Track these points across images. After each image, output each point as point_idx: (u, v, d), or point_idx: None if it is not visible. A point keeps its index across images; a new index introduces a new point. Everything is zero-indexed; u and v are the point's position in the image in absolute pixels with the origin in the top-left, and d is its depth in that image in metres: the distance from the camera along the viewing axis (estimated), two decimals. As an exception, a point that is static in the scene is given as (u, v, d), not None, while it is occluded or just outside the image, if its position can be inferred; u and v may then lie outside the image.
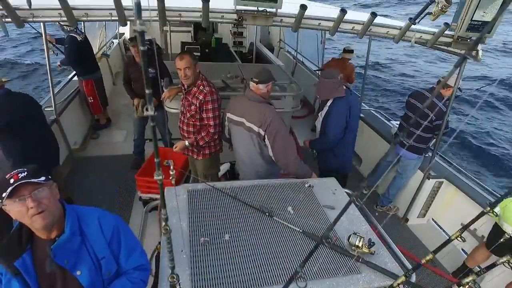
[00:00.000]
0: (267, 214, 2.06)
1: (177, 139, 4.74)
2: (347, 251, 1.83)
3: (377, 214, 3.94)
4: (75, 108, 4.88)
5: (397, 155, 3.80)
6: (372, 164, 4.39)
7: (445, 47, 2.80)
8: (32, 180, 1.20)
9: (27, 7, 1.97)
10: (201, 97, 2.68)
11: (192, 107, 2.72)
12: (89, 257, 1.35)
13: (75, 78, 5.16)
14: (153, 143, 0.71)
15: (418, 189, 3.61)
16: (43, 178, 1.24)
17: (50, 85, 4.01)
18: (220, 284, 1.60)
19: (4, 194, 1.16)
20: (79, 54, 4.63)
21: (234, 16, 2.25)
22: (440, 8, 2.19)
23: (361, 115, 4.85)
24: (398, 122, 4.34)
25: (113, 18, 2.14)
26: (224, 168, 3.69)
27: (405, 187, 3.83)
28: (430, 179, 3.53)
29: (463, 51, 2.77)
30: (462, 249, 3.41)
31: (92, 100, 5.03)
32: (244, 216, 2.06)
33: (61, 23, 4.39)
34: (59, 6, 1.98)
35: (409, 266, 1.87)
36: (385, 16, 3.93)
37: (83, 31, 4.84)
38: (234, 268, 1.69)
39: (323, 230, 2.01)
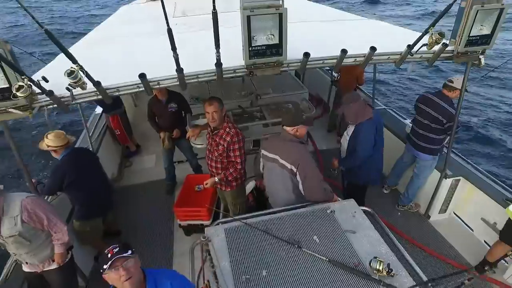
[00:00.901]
0: (296, 246, 2.35)
1: (202, 158, 5.08)
2: (369, 275, 2.09)
3: (399, 213, 4.15)
4: (108, 142, 5.32)
5: (413, 157, 3.97)
6: (389, 162, 4.54)
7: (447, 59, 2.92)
8: (123, 254, 1.59)
9: (68, 95, 2.30)
10: (228, 138, 3.00)
11: (220, 147, 3.05)
12: None
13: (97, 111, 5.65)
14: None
15: (436, 187, 3.78)
16: (130, 252, 1.63)
17: (86, 128, 4.47)
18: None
19: (105, 266, 1.56)
20: None
21: (245, 70, 2.49)
22: (434, 40, 2.33)
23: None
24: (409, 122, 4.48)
25: (140, 89, 2.45)
26: (249, 186, 4.00)
27: (424, 185, 3.99)
28: (447, 178, 3.68)
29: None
30: (485, 241, 3.58)
31: (119, 133, 5.45)
32: (276, 249, 2.35)
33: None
34: (95, 89, 2.30)
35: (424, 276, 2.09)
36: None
37: None
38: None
39: (346, 256, 2.27)
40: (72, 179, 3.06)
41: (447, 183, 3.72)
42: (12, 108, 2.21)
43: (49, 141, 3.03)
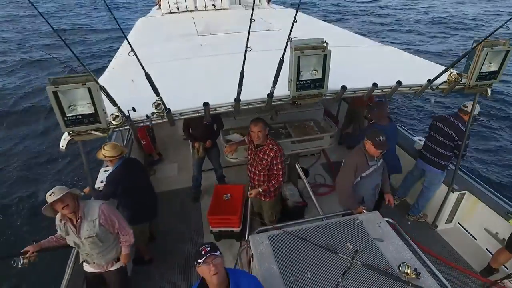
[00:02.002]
0: (333, 252, 2.73)
1: (228, 167, 5.41)
2: (400, 278, 2.48)
3: (409, 223, 4.57)
4: (135, 151, 5.65)
5: (422, 171, 4.40)
6: (398, 176, 4.96)
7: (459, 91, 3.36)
8: (213, 253, 1.96)
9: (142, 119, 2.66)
10: (272, 154, 3.41)
11: (264, 161, 3.45)
12: None
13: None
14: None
15: (444, 200, 4.21)
16: (218, 252, 1.99)
17: (122, 139, 4.80)
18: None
19: (200, 261, 1.94)
20: None
21: (290, 100, 2.88)
22: (453, 78, 2.75)
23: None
24: (420, 138, 4.92)
25: (199, 114, 2.82)
26: None
27: (433, 198, 4.42)
28: (454, 192, 4.11)
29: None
30: (487, 249, 4.01)
31: (144, 142, 5.79)
32: (316, 254, 2.73)
33: None
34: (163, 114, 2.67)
35: (447, 285, 2.49)
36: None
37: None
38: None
39: (377, 261, 2.66)
40: (125, 187, 3.41)
41: (453, 196, 4.15)
42: (94, 131, 2.57)
43: (106, 152, 3.38)
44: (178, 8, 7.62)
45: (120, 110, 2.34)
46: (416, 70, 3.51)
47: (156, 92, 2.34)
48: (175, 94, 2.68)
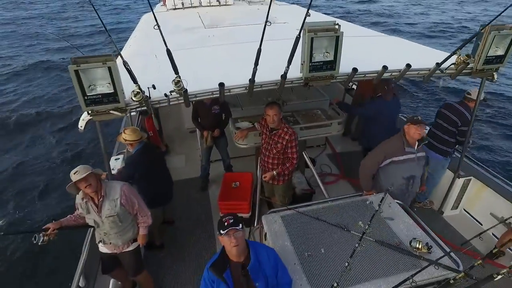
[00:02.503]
0: (345, 229, 2.80)
1: (236, 158, 5.49)
2: (411, 252, 2.55)
3: (415, 209, 4.63)
4: None
5: (427, 157, 4.46)
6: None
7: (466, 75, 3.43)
8: (235, 227, 2.03)
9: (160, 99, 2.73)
10: (287, 137, 3.48)
11: (278, 145, 3.53)
12: (263, 276, 2.14)
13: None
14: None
15: (450, 186, 4.27)
16: (240, 226, 2.06)
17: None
18: (325, 281, 2.35)
19: (222, 232, 2.02)
20: None
21: (302, 81, 2.95)
22: (462, 60, 2.83)
23: None
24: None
25: (213, 95, 2.89)
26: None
27: (439, 184, 4.48)
28: (460, 178, 4.18)
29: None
30: (493, 234, 4.08)
31: (152, 134, 5.85)
32: (329, 232, 2.80)
33: None
34: (178, 96, 2.74)
35: (458, 260, 2.55)
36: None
37: None
38: (334, 271, 2.43)
39: (388, 237, 2.73)
40: (144, 171, 3.48)
41: (459, 182, 4.22)
42: (113, 110, 2.64)
43: (127, 136, 3.46)
44: (183, 4, 7.70)
45: (140, 88, 2.41)
46: (423, 56, 3.58)
47: (175, 70, 2.41)
48: (189, 78, 2.75)
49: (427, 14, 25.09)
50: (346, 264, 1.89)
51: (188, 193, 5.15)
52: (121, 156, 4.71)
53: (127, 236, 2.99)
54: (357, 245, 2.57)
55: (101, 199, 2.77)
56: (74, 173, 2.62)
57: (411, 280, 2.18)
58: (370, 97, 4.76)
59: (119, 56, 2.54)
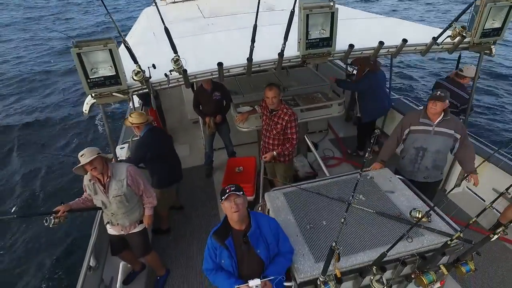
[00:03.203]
0: (346, 202, 2.84)
1: (239, 145, 5.58)
2: (411, 222, 2.59)
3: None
4: None
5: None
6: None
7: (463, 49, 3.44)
8: (236, 192, 2.11)
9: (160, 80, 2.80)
10: (286, 117, 3.53)
11: (278, 125, 3.58)
12: (263, 243, 2.21)
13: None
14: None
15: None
16: (241, 193, 2.14)
17: None
18: (326, 251, 2.40)
19: (223, 197, 2.10)
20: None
21: (299, 60, 2.99)
22: (458, 32, 2.85)
23: (392, 103, 5.53)
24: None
25: (213, 76, 2.95)
26: None
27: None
28: None
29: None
30: (495, 209, 4.10)
31: (155, 124, 5.93)
32: (330, 206, 2.85)
33: None
34: (178, 77, 2.81)
35: (457, 227, 2.60)
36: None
37: None
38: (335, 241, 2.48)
39: (389, 209, 2.78)
40: (155, 151, 3.59)
41: None
42: (116, 92, 2.71)
43: (133, 119, 3.55)
44: None
45: (140, 68, 2.48)
46: (420, 33, 3.59)
47: (174, 49, 2.47)
48: (189, 60, 2.80)
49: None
50: (342, 219, 1.91)
51: (193, 180, 5.24)
52: (126, 145, 4.80)
53: (134, 216, 3.07)
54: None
55: (107, 179, 2.86)
56: (81, 156, 2.70)
57: (410, 240, 2.23)
58: (362, 74, 4.90)
59: (120, 39, 2.61)
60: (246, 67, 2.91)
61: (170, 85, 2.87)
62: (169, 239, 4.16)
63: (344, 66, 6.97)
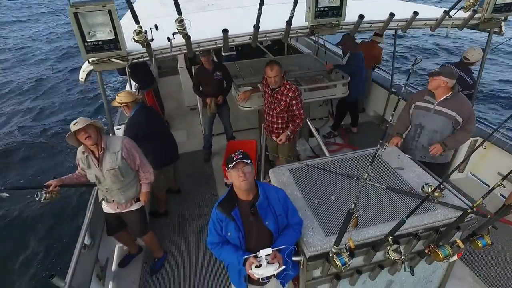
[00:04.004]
0: (355, 178, 2.75)
1: (239, 131, 5.45)
2: (423, 196, 2.49)
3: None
4: None
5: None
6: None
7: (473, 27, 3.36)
8: (244, 160, 1.97)
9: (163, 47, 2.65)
10: (290, 93, 3.39)
11: (282, 102, 3.44)
12: (272, 214, 2.09)
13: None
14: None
15: (456, 148, 4.22)
16: (249, 161, 1.99)
17: None
18: (337, 225, 2.29)
19: (230, 165, 1.96)
20: (136, 69, 5.32)
21: (307, 30, 2.87)
22: (471, 2, 2.75)
23: (394, 90, 5.46)
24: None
25: (217, 45, 2.81)
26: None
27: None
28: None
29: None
30: (501, 194, 4.04)
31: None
32: (338, 181, 2.74)
33: None
34: (181, 44, 2.66)
35: (469, 204, 2.52)
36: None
37: None
38: (343, 216, 2.37)
39: (399, 185, 2.68)
40: (147, 129, 3.42)
41: (466, 143, 4.16)
42: (115, 58, 2.56)
43: (122, 98, 3.37)
44: None
45: (141, 28, 2.32)
46: (431, 11, 3.50)
47: (179, 10, 2.32)
48: (193, 30, 2.65)
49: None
50: (366, 175, 1.81)
51: (191, 165, 5.10)
52: (122, 127, 4.63)
53: (130, 193, 2.92)
54: (368, 193, 2.52)
55: (101, 152, 2.70)
56: (74, 124, 2.54)
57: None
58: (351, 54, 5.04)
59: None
60: (252, 36, 2.78)
61: (172, 53, 2.72)
62: (167, 222, 4.02)
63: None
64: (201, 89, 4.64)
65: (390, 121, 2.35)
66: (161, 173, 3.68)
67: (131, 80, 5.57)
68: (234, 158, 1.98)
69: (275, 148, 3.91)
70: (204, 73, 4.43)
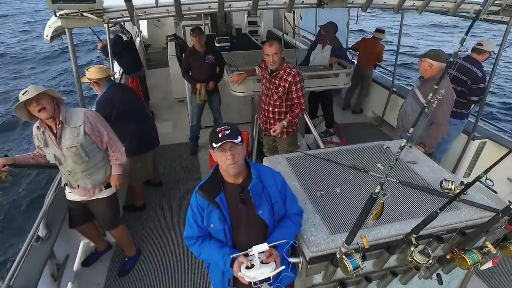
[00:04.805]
0: (362, 170, 2.38)
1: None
2: (443, 193, 2.14)
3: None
4: None
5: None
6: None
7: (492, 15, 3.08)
8: (233, 141, 1.54)
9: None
10: (290, 78, 2.97)
11: (280, 88, 3.02)
12: (267, 201, 1.68)
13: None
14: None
15: (463, 150, 3.93)
16: (239, 139, 1.58)
17: None
18: (344, 222, 1.92)
19: (215, 145, 1.54)
20: (124, 52, 4.90)
21: (315, 1, 2.52)
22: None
23: (394, 89, 5.17)
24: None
25: (211, 10, 2.42)
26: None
27: (449, 151, 4.13)
28: (475, 140, 3.83)
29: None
30: (509, 201, 3.74)
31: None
32: (343, 173, 2.37)
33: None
34: (169, 4, 2.27)
35: (494, 205, 2.17)
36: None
37: (129, 31, 5.13)
38: (351, 212, 2.00)
39: (413, 180, 2.32)
40: (121, 110, 2.96)
41: (474, 145, 3.87)
42: (87, 12, 2.14)
43: (91, 73, 2.90)
44: None
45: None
46: None
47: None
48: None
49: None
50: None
51: (175, 157, 4.66)
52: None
53: (98, 177, 2.47)
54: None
55: (59, 126, 2.23)
56: (23, 93, 2.06)
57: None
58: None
59: None
60: (252, 3, 2.41)
61: (158, 15, 2.33)
62: (143, 217, 3.55)
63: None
64: (191, 74, 4.23)
65: None
66: (138, 161, 3.22)
67: (116, 63, 5.15)
68: (220, 135, 1.55)
69: (273, 147, 3.49)
70: (195, 55, 4.03)
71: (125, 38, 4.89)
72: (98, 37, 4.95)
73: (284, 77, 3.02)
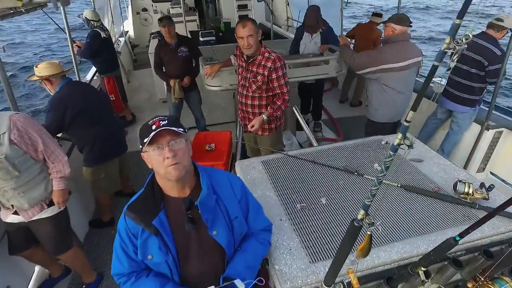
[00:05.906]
0: (355, 173, 1.91)
1: (213, 125, 4.64)
2: (459, 199, 1.67)
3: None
4: None
5: (447, 112, 3.62)
6: (418, 125, 4.18)
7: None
8: (172, 128, 1.12)
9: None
10: (269, 64, 2.46)
11: (259, 77, 2.52)
12: (223, 217, 1.25)
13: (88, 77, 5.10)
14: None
15: (476, 141, 3.43)
16: (181, 130, 1.15)
17: None
18: (329, 245, 1.46)
19: (146, 140, 1.11)
20: (101, 50, 4.48)
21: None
22: None
23: None
24: (439, 79, 4.13)
25: None
26: None
27: (460, 143, 3.64)
28: (489, 130, 3.34)
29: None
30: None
31: (113, 98, 4.89)
32: (332, 178, 1.91)
33: (87, 17, 4.34)
34: None
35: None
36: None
37: (108, 29, 4.74)
38: (338, 231, 1.54)
39: (418, 182, 1.85)
40: (77, 111, 2.50)
41: (488, 135, 3.37)
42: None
43: (41, 70, 2.46)
44: None
45: None
46: None
47: None
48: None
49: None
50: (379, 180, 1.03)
51: None
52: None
53: (36, 194, 2.03)
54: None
55: None
56: None
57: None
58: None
59: None
60: None
61: None
62: (111, 233, 3.11)
63: None
64: (164, 70, 3.78)
65: None
66: (101, 171, 2.78)
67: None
68: (154, 126, 1.12)
69: (253, 143, 3.00)
70: (166, 48, 3.59)
71: (103, 35, 4.46)
72: (53, 20, 4.42)
73: (262, 63, 2.53)
